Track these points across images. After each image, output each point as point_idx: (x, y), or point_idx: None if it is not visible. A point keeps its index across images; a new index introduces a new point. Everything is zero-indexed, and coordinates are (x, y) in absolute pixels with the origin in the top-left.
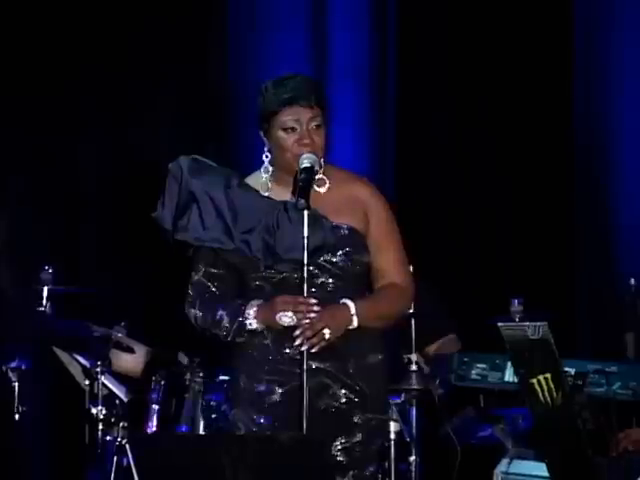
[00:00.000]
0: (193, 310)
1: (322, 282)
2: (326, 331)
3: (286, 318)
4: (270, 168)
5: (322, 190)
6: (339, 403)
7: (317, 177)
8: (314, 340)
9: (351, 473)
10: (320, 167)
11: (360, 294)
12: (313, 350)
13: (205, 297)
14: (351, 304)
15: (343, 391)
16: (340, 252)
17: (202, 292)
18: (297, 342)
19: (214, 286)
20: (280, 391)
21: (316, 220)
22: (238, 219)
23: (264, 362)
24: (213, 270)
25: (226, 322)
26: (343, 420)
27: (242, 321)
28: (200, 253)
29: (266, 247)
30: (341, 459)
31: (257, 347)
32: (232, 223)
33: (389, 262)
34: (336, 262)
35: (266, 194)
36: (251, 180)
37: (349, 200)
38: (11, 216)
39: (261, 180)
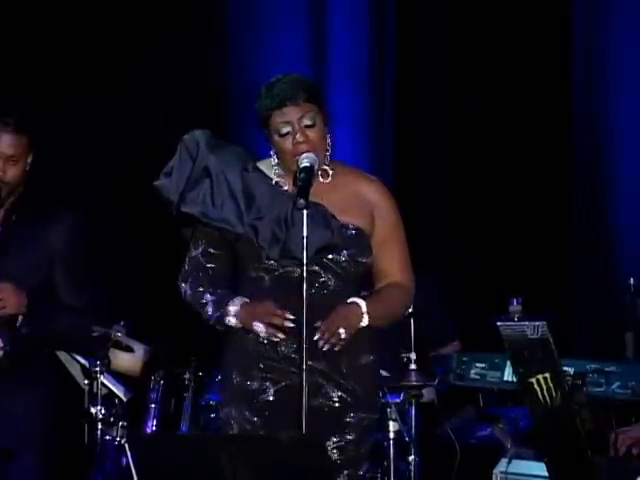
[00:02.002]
0: (184, 285)
1: (323, 281)
2: (342, 330)
3: (259, 328)
4: (280, 170)
5: (326, 181)
6: (332, 402)
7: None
8: (333, 340)
9: (345, 472)
10: (325, 163)
11: (357, 294)
12: (336, 348)
13: (199, 275)
14: (362, 302)
15: (336, 391)
16: (345, 252)
17: (197, 269)
18: (320, 344)
19: (210, 266)
20: (273, 390)
21: (325, 219)
22: (251, 205)
23: (258, 359)
24: (212, 250)
25: (210, 309)
26: (336, 419)
27: (222, 314)
28: (203, 230)
29: (273, 239)
30: (335, 458)
31: (251, 344)
32: (245, 207)
33: (393, 263)
34: (340, 262)
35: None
36: (262, 166)
37: (356, 199)
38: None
39: (274, 180)
